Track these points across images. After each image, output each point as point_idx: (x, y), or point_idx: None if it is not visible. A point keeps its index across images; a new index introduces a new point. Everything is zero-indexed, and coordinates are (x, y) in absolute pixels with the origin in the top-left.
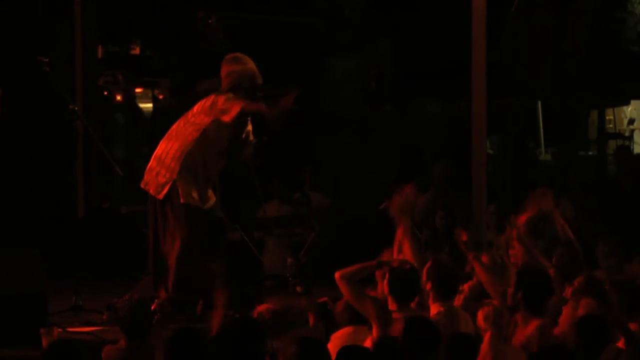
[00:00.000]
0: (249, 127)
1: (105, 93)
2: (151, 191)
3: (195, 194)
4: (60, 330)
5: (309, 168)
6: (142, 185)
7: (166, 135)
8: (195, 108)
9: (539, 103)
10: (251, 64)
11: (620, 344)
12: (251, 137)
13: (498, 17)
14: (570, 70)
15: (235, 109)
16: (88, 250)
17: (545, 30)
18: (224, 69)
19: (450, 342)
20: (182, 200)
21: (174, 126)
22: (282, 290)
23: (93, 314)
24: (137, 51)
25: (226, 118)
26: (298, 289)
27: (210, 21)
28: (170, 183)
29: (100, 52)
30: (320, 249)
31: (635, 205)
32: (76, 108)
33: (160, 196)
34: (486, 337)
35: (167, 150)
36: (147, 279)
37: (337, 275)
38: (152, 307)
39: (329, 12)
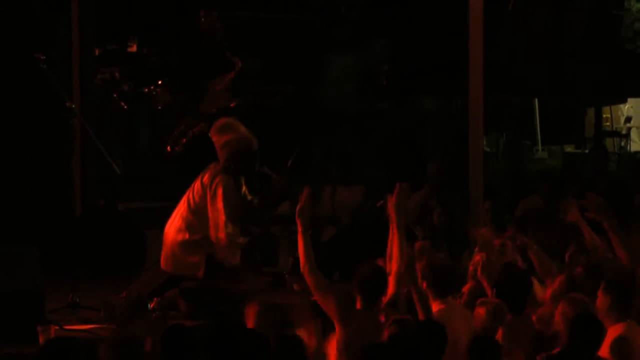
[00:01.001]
0: (244, 189)
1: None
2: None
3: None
4: (57, 327)
5: (338, 164)
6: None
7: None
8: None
9: (536, 101)
10: (243, 129)
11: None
12: (249, 197)
13: (495, 15)
14: (568, 68)
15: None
16: (85, 247)
17: (543, 28)
18: (216, 139)
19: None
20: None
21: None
22: (280, 288)
23: (90, 311)
24: (134, 49)
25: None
26: (295, 286)
27: (210, 19)
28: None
29: (97, 49)
30: (319, 246)
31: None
32: (73, 106)
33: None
34: (499, 335)
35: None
36: (146, 275)
37: (302, 269)
38: (151, 306)
39: (326, 9)
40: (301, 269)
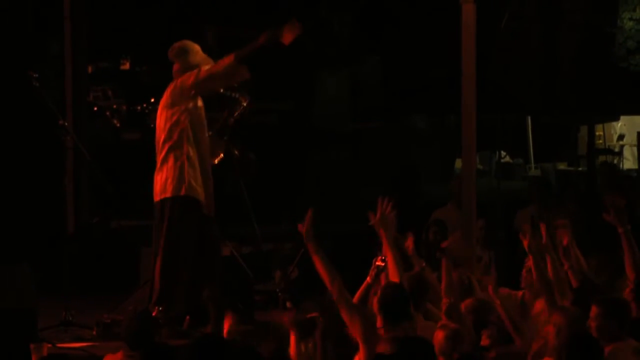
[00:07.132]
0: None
1: (95, 109)
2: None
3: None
4: (50, 345)
5: None
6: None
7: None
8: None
9: (529, 119)
10: (198, 48)
11: None
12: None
13: (488, 32)
14: (560, 86)
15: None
16: (78, 265)
17: (535, 45)
18: (182, 62)
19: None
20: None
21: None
22: (272, 306)
23: (83, 329)
24: (127, 66)
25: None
26: (288, 304)
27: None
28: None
29: (90, 67)
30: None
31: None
32: (66, 124)
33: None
34: None
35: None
36: (139, 292)
37: (331, 288)
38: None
39: (319, 28)
40: (329, 288)
